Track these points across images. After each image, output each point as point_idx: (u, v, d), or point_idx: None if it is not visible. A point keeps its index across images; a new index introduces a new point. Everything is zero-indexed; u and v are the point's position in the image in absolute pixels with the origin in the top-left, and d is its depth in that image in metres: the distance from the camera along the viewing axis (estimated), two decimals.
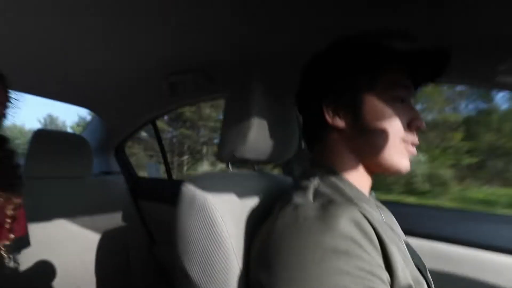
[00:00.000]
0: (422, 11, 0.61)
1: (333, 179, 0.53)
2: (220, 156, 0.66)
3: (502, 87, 0.74)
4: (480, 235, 0.88)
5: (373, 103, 0.52)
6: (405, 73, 0.54)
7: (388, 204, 0.95)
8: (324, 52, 0.59)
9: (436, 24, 0.65)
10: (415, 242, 0.94)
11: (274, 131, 0.64)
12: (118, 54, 0.92)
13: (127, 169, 1.74)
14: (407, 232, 0.74)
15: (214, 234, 0.48)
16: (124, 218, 1.48)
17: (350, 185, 0.54)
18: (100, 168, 1.63)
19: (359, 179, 0.55)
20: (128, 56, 0.93)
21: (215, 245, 0.48)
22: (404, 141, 0.53)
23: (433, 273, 0.89)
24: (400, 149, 0.52)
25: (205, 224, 0.48)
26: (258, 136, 0.60)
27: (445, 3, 0.57)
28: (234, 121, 0.63)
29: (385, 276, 0.38)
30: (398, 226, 0.70)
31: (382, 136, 0.51)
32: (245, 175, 0.65)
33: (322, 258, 0.36)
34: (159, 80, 1.11)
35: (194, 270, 0.48)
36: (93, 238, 1.30)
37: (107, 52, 0.90)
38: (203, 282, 0.47)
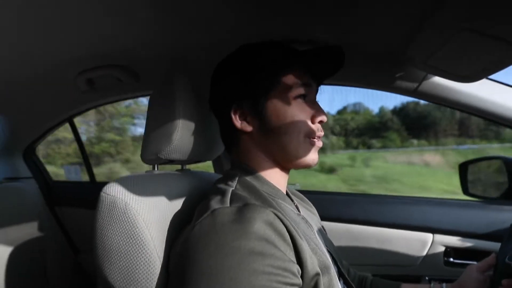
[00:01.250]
0: (328, 17, 0.67)
1: (250, 179, 0.56)
2: (143, 158, 0.64)
3: (398, 91, 0.87)
4: (384, 215, 1.04)
5: (276, 105, 0.55)
6: (303, 72, 0.57)
7: (310, 193, 1.05)
8: (226, 60, 0.62)
9: (345, 32, 0.73)
10: (332, 225, 1.07)
11: (200, 131, 0.65)
12: (24, 45, 0.80)
13: (40, 173, 1.54)
14: (325, 218, 0.84)
15: (136, 239, 0.47)
16: (39, 227, 1.32)
17: (267, 183, 0.58)
18: (5, 173, 1.42)
19: (275, 176, 0.60)
20: (37, 48, 0.82)
21: (138, 250, 0.47)
22: (309, 136, 0.56)
23: (346, 249, 1.04)
24: (306, 145, 0.56)
25: (127, 231, 0.47)
26: (183, 136, 0.60)
27: (349, 12, 0.64)
28: (158, 122, 0.62)
29: (296, 268, 0.43)
30: (315, 214, 0.77)
31: (287, 135, 0.55)
32: (171, 176, 0.64)
33: (239, 262, 0.39)
34: (75, 75, 1.01)
35: (116, 279, 0.47)
36: (2, 252, 1.13)
37: (10, 41, 0.78)
38: None
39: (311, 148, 0.57)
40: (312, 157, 0.57)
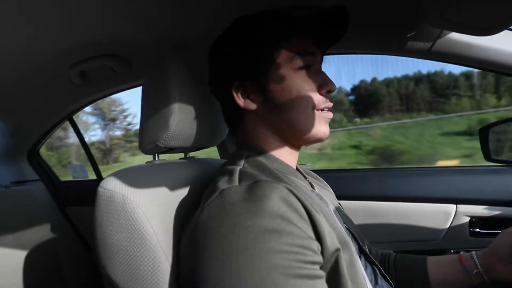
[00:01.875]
0: None
1: (259, 158, 0.53)
2: (142, 147, 0.60)
3: (410, 53, 0.80)
4: (401, 189, 0.99)
5: (278, 78, 0.52)
6: (305, 40, 0.54)
7: (322, 172, 1.00)
8: (223, 35, 0.57)
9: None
10: (349, 203, 1.02)
11: (200, 114, 0.60)
12: (14, 40, 0.76)
13: (46, 174, 1.53)
14: (341, 196, 0.79)
15: (138, 234, 0.44)
16: (51, 228, 1.32)
17: (277, 160, 0.54)
18: (11, 177, 1.40)
19: (284, 154, 0.56)
20: (26, 43, 0.78)
21: (140, 245, 0.43)
22: (317, 108, 0.53)
23: (365, 227, 1.00)
24: (315, 118, 0.53)
25: (126, 225, 0.44)
26: (182, 122, 0.56)
27: None
28: (153, 108, 0.57)
29: (316, 245, 0.39)
30: (331, 192, 0.73)
31: (294, 110, 0.52)
32: (173, 164, 0.60)
33: (254, 241, 0.35)
34: (68, 69, 0.97)
35: (120, 277, 0.43)
36: (17, 257, 1.13)
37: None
38: (131, 286, 0.43)
39: (321, 120, 0.54)
40: (323, 129, 0.54)
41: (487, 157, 1.00)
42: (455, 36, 0.73)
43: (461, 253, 0.66)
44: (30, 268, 1.16)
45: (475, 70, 0.79)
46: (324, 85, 0.53)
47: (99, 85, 1.10)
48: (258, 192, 0.40)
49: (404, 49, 0.78)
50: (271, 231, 0.36)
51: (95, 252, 0.46)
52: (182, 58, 0.61)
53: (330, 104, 0.55)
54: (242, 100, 0.54)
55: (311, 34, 0.54)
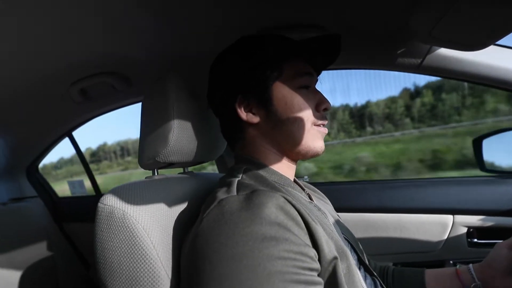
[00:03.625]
0: (328, 1, 0.65)
1: (257, 170, 0.55)
2: (141, 163, 0.61)
3: (401, 68, 0.83)
4: (399, 200, 1.00)
5: (282, 94, 0.55)
6: (304, 62, 0.59)
7: (319, 184, 1.01)
8: (228, 50, 0.60)
9: (342, 13, 0.69)
10: (347, 216, 1.03)
11: (198, 130, 0.62)
12: (14, 58, 0.77)
13: (45, 190, 1.53)
14: (338, 208, 0.80)
15: (138, 249, 0.44)
16: (49, 245, 1.30)
17: (275, 172, 0.56)
18: (10, 194, 1.40)
19: (282, 167, 0.58)
20: (27, 61, 0.80)
21: (140, 261, 0.44)
22: (315, 124, 0.56)
23: (363, 239, 1.00)
24: (313, 133, 0.56)
25: (126, 241, 0.44)
26: (180, 137, 0.57)
27: None
28: (152, 124, 0.59)
29: (313, 252, 0.40)
30: (329, 204, 0.74)
31: (295, 124, 0.55)
32: (172, 179, 0.61)
33: (253, 249, 0.36)
34: (68, 86, 0.99)
35: None
36: (14, 274, 1.12)
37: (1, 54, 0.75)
38: None
39: (318, 135, 0.57)
40: (320, 144, 0.58)
41: (482, 167, 1.01)
42: (444, 51, 0.76)
43: (458, 266, 0.66)
44: (27, 285, 1.15)
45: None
46: (321, 103, 0.57)
47: (99, 102, 1.12)
48: (255, 200, 0.41)
49: (395, 64, 0.81)
50: (269, 238, 0.37)
51: (94, 268, 0.47)
52: (181, 75, 0.63)
53: (326, 121, 0.58)
54: (245, 113, 0.56)
55: (308, 57, 0.59)
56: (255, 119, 0.56)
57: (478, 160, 1.02)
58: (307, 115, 0.55)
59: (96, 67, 0.90)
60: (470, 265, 0.65)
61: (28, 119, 1.21)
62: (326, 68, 0.65)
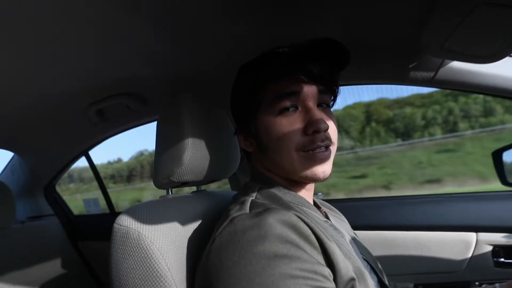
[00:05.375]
0: (329, 12, 0.64)
1: (271, 189, 0.54)
2: (156, 182, 0.61)
3: (413, 83, 0.82)
4: (418, 217, 0.97)
5: (263, 123, 0.53)
6: (289, 80, 0.51)
7: (335, 202, 0.99)
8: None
9: (351, 28, 0.70)
10: (365, 234, 1.00)
11: (212, 149, 0.62)
12: (32, 81, 0.81)
13: (61, 209, 1.56)
14: (357, 227, 0.78)
15: (153, 271, 0.44)
16: (64, 264, 1.31)
17: (289, 192, 0.55)
18: (27, 213, 1.43)
19: (295, 186, 0.57)
20: (46, 82, 0.83)
21: (155, 282, 0.43)
22: (303, 149, 0.50)
23: (382, 258, 0.96)
24: (302, 160, 0.50)
25: (141, 262, 0.44)
26: (194, 157, 0.58)
27: (352, 3, 0.61)
28: (167, 144, 0.60)
29: (327, 272, 0.39)
30: (346, 222, 0.72)
31: (277, 152, 0.52)
32: (186, 198, 0.61)
33: (265, 267, 0.36)
34: (85, 108, 1.02)
35: None
36: None
37: (19, 77, 0.77)
38: None
39: (310, 161, 0.50)
40: (314, 171, 0.50)
41: (504, 181, 0.97)
42: (457, 64, 0.75)
43: (483, 286, 0.63)
44: None
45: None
46: (309, 126, 0.49)
47: (115, 122, 1.15)
48: (268, 218, 0.40)
49: (407, 79, 0.80)
50: (281, 257, 0.37)
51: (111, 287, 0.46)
52: (195, 93, 0.64)
53: (322, 144, 0.50)
54: (243, 141, 0.59)
55: (301, 70, 0.51)
56: (250, 148, 0.58)
57: (498, 174, 0.98)
58: (291, 142, 0.50)
59: (113, 89, 0.93)
60: (497, 284, 0.61)
61: (47, 140, 1.25)
62: (332, 77, 0.55)
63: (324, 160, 0.51)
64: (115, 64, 0.77)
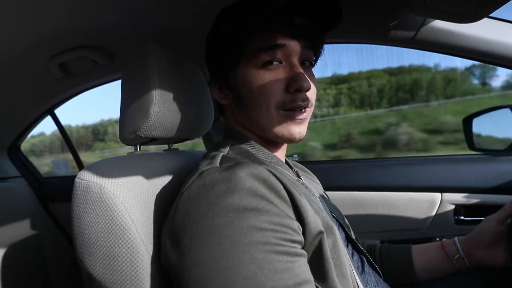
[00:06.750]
0: None
1: (244, 145, 0.53)
2: (122, 138, 0.58)
3: (393, 42, 0.80)
4: (388, 178, 1.00)
5: (244, 75, 0.50)
6: (275, 33, 0.48)
7: (309, 163, 1.00)
8: (211, 28, 0.57)
9: None
10: (337, 194, 1.03)
11: (182, 103, 0.59)
12: None
13: (28, 170, 1.49)
14: (328, 187, 0.79)
15: (116, 225, 0.42)
16: (34, 225, 1.28)
17: (262, 149, 0.54)
18: None
19: (268, 144, 0.56)
20: (0, 34, 0.74)
21: (118, 236, 0.42)
22: (283, 108, 0.49)
23: (352, 217, 1.00)
24: (280, 118, 0.49)
25: (104, 215, 0.42)
26: (163, 110, 0.54)
27: None
28: (133, 96, 0.56)
29: (296, 225, 0.39)
30: (318, 183, 0.73)
31: (256, 108, 0.49)
32: (155, 155, 0.59)
33: (233, 219, 0.35)
34: (46, 61, 0.93)
35: (99, 270, 0.42)
36: None
37: None
38: (110, 280, 0.42)
39: (288, 121, 0.49)
40: (291, 131, 0.50)
41: (471, 146, 1.01)
42: (438, 24, 0.73)
43: (444, 240, 0.67)
44: (13, 266, 1.13)
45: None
46: (292, 83, 0.47)
47: (80, 78, 1.07)
48: (238, 172, 0.39)
49: (388, 38, 0.78)
50: (250, 210, 0.36)
51: (74, 244, 0.45)
52: (166, 46, 0.59)
53: (302, 104, 0.48)
54: (218, 93, 0.55)
55: (289, 22, 0.48)
56: (225, 102, 0.55)
57: (467, 139, 1.02)
58: (271, 98, 0.48)
59: (76, 40, 0.85)
60: (456, 237, 0.66)
61: (6, 97, 1.15)
62: (322, 33, 0.54)
63: (302, 121, 0.50)
64: (77, 12, 0.70)
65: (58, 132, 1.44)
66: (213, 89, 0.56)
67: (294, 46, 0.49)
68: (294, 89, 0.47)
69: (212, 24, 0.56)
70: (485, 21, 0.72)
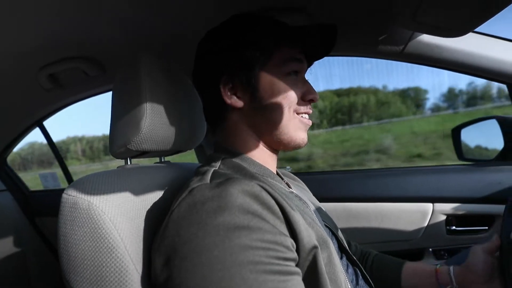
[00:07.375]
0: None
1: (236, 159, 0.52)
2: (112, 152, 0.57)
3: (383, 55, 0.82)
4: (380, 189, 1.00)
5: (269, 79, 0.52)
6: (297, 47, 0.55)
7: (302, 174, 1.00)
8: (218, 29, 0.56)
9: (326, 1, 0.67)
10: (329, 205, 1.02)
11: (174, 116, 0.58)
12: None
13: (15, 184, 1.45)
14: (322, 199, 0.79)
15: (104, 243, 0.41)
16: (19, 241, 1.24)
17: (254, 162, 0.53)
18: None
19: (263, 156, 0.56)
20: None
21: (106, 255, 0.41)
22: (298, 112, 0.54)
23: (345, 229, 1.00)
24: (295, 122, 0.54)
25: (91, 233, 0.41)
26: (154, 123, 0.53)
27: None
28: (123, 109, 0.55)
29: (290, 242, 0.39)
30: (309, 191, 0.73)
31: (278, 111, 0.52)
32: (146, 169, 0.57)
33: (224, 238, 0.35)
34: (36, 72, 0.92)
35: None
36: None
37: None
38: None
39: (301, 125, 0.55)
40: (302, 136, 0.55)
41: (460, 156, 1.03)
42: (425, 38, 0.75)
43: (438, 266, 0.65)
44: None
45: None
46: (308, 93, 0.54)
47: (71, 89, 1.05)
48: (228, 188, 0.38)
49: (377, 51, 0.80)
50: (241, 228, 0.35)
51: (60, 262, 0.43)
52: (157, 58, 0.59)
53: (310, 111, 0.56)
54: (229, 96, 0.54)
55: (301, 43, 0.56)
56: (239, 104, 0.53)
57: (456, 149, 1.04)
58: (291, 102, 0.53)
59: (67, 51, 0.84)
60: (451, 267, 0.63)
61: None
62: (318, 58, 0.63)
63: (307, 127, 0.56)
64: (69, 24, 0.69)
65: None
66: (223, 92, 0.53)
67: (305, 64, 0.57)
68: (309, 98, 0.55)
69: (224, 26, 0.56)
70: (470, 35, 0.74)
